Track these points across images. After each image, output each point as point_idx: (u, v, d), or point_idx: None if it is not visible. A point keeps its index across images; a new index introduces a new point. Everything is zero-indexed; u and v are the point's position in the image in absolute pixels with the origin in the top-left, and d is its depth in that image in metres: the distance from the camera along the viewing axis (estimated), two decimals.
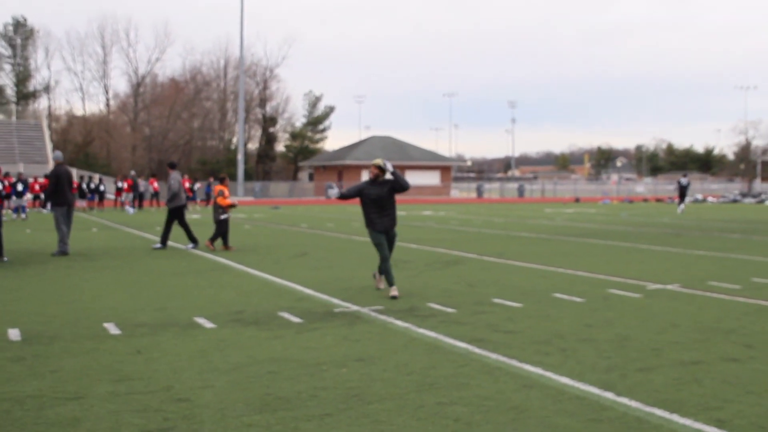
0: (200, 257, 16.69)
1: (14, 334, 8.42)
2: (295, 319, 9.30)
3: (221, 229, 18.18)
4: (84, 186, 41.70)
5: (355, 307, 10.18)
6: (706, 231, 25.71)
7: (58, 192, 16.93)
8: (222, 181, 18.83)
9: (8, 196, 33.59)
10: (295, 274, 13.55)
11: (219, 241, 19.16)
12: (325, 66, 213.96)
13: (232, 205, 18.41)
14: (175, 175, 18.54)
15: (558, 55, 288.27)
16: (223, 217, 18.20)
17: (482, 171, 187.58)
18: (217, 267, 14.81)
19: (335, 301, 10.73)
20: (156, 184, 45.83)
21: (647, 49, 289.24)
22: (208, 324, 9.00)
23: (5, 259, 15.56)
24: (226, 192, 18.50)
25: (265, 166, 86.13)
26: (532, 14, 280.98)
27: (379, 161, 10.72)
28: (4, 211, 32.36)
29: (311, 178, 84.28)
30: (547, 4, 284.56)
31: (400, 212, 39.74)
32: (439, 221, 31.39)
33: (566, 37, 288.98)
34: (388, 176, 10.71)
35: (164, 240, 18.34)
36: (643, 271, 14.09)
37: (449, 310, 9.98)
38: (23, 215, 33.07)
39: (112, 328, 8.74)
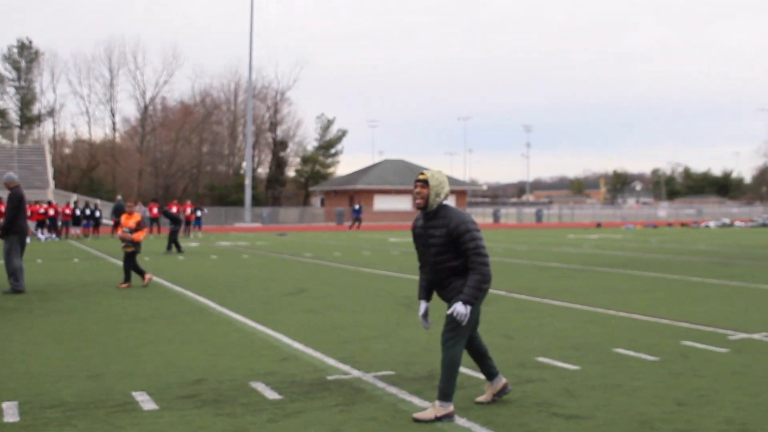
0: (177, 296, 14.13)
1: None
2: (271, 395, 6.71)
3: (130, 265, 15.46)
4: (78, 212, 39.34)
5: (355, 373, 7.59)
6: (757, 259, 22.98)
7: (19, 217, 14.44)
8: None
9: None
10: (285, 320, 10.97)
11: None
12: (338, 89, 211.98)
13: (131, 241, 15.42)
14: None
15: (572, 79, 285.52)
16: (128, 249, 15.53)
17: (496, 196, 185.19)
18: (193, 310, 12.23)
19: (330, 361, 8.14)
20: (155, 210, 43.38)
21: (662, 74, 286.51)
22: (148, 404, 6.42)
23: None
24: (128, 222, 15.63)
25: (274, 191, 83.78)
26: (546, 39, 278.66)
27: (426, 173, 6.11)
28: None
29: (323, 203, 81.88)
30: (561, 30, 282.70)
31: (408, 238, 37.09)
32: None
33: (581, 62, 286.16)
34: (443, 202, 6.09)
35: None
36: (713, 313, 11.46)
37: (484, 377, 7.38)
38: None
39: (9, 412, 6.18)
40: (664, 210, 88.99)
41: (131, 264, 15.46)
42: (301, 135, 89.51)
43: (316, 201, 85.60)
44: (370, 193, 72.29)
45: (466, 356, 7.68)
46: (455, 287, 6.01)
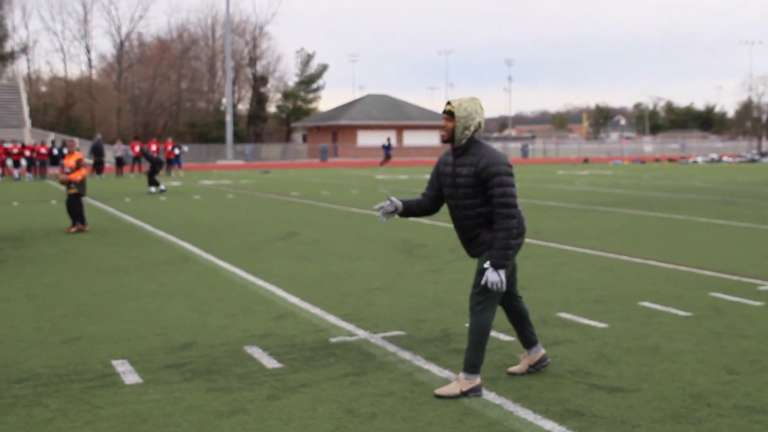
0: (159, 241, 13.27)
1: None
2: (270, 363, 5.93)
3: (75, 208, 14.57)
4: (56, 151, 38.15)
5: (361, 333, 6.81)
6: (759, 198, 22.31)
7: None
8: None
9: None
10: (277, 269, 10.16)
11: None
12: (317, 23, 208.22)
13: (71, 182, 14.44)
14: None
15: (553, 13, 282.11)
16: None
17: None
18: (176, 258, 11.39)
19: (331, 319, 7.36)
20: (137, 149, 42.17)
21: (643, 7, 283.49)
22: (130, 376, 5.63)
23: None
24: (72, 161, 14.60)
25: (256, 127, 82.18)
26: None
27: (452, 103, 5.20)
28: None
29: (305, 139, 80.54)
30: None
31: (399, 175, 36.28)
32: None
33: None
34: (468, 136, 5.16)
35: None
36: (734, 260, 10.75)
37: (505, 337, 6.62)
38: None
39: None
40: (649, 145, 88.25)
41: (75, 207, 14.43)
42: (281, 70, 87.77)
43: (298, 137, 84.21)
44: (353, 129, 71.03)
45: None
46: (484, 241, 5.19)
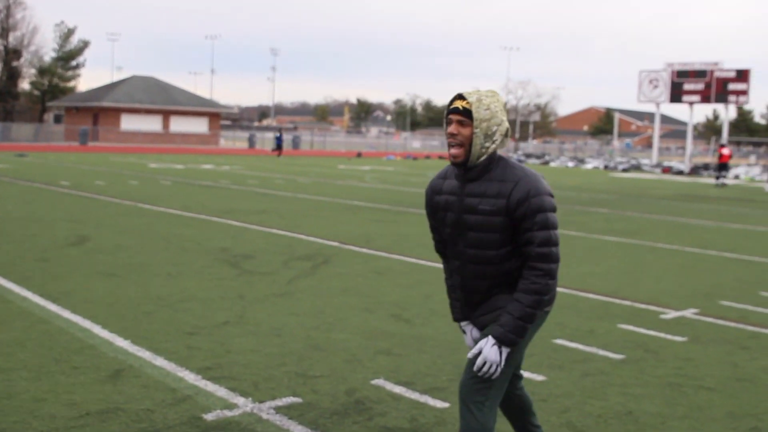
0: None
1: None
2: None
3: None
4: None
5: (241, 402, 4.93)
6: (585, 204, 22.14)
7: None
8: None
9: None
10: (83, 292, 7.90)
11: None
12: None
13: None
14: None
15: (318, 5, 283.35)
16: None
17: (237, 119, 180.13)
18: None
19: (188, 377, 5.39)
20: None
21: (404, 7, 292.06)
22: None
23: None
24: None
25: (6, 104, 74.91)
26: None
27: (467, 97, 3.44)
28: None
29: (58, 120, 74.42)
30: None
31: (173, 164, 33.53)
32: (235, 180, 25.77)
33: None
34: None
35: None
36: (610, 279, 9.79)
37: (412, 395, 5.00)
38: None
39: None
40: (419, 142, 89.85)
41: None
42: (37, 44, 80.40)
43: (49, 118, 77.69)
44: (116, 112, 66.25)
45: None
46: (497, 306, 3.52)
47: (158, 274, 9.00)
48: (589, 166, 53.91)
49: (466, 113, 3.40)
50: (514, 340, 3.37)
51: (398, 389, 5.29)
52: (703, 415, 5.02)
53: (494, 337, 3.37)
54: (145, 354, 5.87)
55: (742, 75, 47.76)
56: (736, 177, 44.13)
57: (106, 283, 8.40)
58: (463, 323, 3.74)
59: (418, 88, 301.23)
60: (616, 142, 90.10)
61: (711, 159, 64.95)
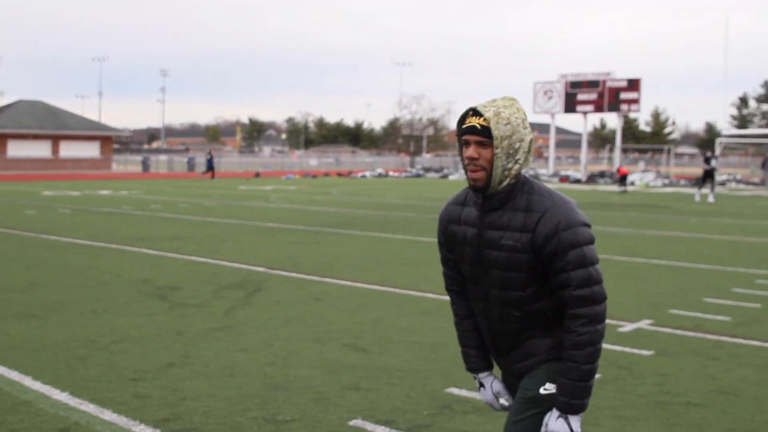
0: None
1: None
2: None
3: None
4: None
5: None
6: None
7: None
8: None
9: None
10: (3, 336, 7.15)
11: None
12: None
13: None
14: None
15: (207, 25, 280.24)
16: None
17: (127, 143, 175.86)
18: None
19: (120, 422, 4.82)
20: None
21: (293, 26, 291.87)
22: None
23: None
24: None
25: None
26: None
27: (483, 113, 2.91)
28: None
29: None
30: None
31: (68, 191, 32.09)
32: (137, 205, 24.74)
33: (211, 10, 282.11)
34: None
35: None
36: None
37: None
38: None
39: None
40: (314, 159, 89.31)
41: None
42: None
43: None
44: (2, 138, 63.40)
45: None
46: (537, 351, 3.06)
47: (82, 312, 8.30)
48: None
49: (485, 132, 2.90)
50: (580, 405, 2.91)
51: (381, 429, 4.86)
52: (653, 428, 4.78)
53: (559, 409, 2.94)
54: (90, 408, 5.25)
55: (634, 84, 49.29)
56: (632, 183, 45.34)
57: (26, 325, 7.66)
58: (480, 375, 3.26)
59: (310, 106, 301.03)
60: None
61: (606, 167, 66.59)
